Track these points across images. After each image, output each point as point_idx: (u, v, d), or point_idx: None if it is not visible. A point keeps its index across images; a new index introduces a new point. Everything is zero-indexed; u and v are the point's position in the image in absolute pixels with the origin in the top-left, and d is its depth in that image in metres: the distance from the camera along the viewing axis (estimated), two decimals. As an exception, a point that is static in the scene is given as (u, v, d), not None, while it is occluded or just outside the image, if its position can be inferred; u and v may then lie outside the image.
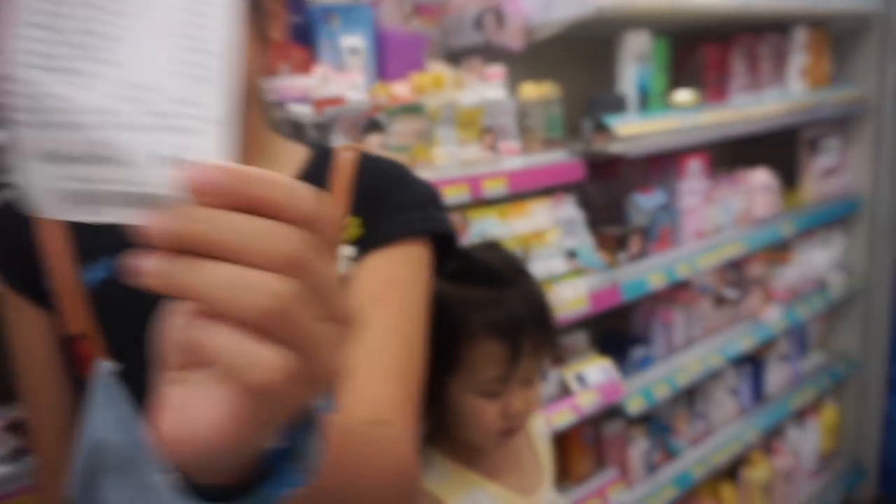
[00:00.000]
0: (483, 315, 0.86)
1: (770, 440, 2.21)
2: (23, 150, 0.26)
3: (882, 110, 2.24)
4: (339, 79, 1.23)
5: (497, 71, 1.43)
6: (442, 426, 0.95)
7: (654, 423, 1.83)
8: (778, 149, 2.21)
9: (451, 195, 1.27)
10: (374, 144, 1.23)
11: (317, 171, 0.73)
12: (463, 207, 1.36)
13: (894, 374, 2.38)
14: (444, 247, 0.76)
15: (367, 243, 0.71)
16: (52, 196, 0.27)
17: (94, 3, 0.26)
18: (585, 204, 1.88)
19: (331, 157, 0.75)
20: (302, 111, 1.15)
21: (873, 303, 2.39)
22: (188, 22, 0.26)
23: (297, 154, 0.74)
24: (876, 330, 2.40)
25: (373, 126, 1.22)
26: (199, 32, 0.26)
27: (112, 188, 0.27)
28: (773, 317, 2.05)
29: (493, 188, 1.33)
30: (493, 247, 1.03)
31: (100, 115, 0.26)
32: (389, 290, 0.69)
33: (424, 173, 1.31)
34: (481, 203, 1.38)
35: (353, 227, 0.72)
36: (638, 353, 1.72)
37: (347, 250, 0.72)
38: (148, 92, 0.27)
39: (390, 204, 0.73)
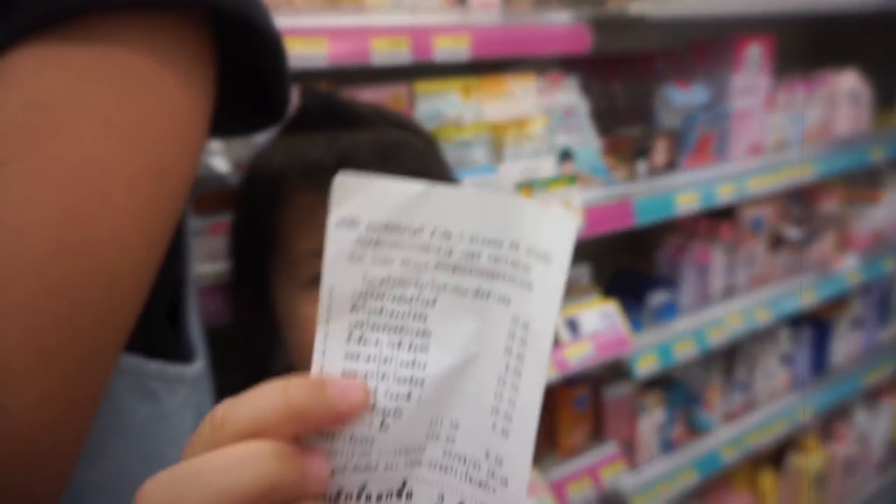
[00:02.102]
0: (298, 158, 0.59)
1: (830, 423, 1.78)
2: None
3: None
4: None
5: None
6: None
7: (677, 390, 1.44)
8: (876, 49, 1.70)
9: (383, 51, 0.89)
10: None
11: None
12: (408, 75, 0.98)
13: None
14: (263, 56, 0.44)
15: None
16: None
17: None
18: (607, 106, 1.47)
19: None
20: None
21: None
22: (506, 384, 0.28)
23: None
24: (984, 296, 1.89)
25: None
26: (515, 394, 0.28)
27: None
28: (849, 268, 1.60)
29: (449, 48, 0.95)
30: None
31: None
32: (41, 127, 0.34)
33: (347, 18, 0.95)
34: (435, 71, 1.00)
35: None
36: (658, 298, 1.33)
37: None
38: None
39: None
